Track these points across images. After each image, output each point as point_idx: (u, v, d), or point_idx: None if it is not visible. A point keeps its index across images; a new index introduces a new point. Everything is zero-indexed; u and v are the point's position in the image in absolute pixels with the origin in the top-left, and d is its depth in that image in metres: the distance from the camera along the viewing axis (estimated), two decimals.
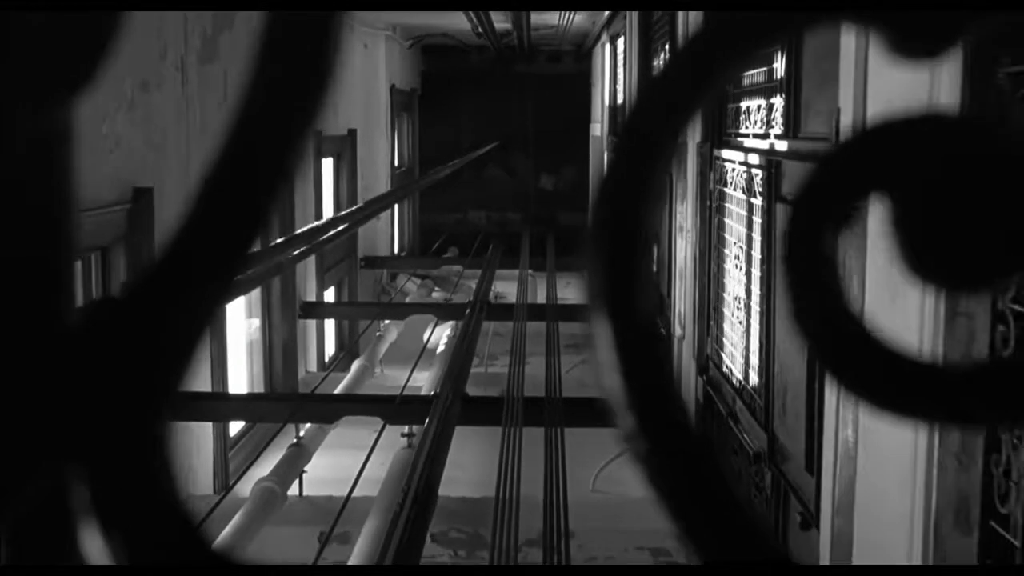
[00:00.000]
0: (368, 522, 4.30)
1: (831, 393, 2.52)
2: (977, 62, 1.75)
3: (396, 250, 13.87)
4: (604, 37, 11.95)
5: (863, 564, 2.34)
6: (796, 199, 0.40)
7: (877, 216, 0.42)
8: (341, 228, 6.60)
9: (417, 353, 6.92)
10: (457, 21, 11.20)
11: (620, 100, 10.35)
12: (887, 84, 2.18)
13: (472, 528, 5.15)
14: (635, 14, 7.73)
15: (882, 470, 2.13)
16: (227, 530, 4.39)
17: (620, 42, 9.99)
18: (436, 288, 12.11)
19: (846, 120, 2.38)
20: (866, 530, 2.25)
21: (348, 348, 9.17)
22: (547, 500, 4.16)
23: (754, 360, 3.78)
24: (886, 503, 2.10)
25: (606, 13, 10.43)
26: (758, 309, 3.67)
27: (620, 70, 10.17)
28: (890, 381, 0.39)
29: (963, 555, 1.73)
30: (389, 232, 13.08)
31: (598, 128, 13.81)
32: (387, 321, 9.01)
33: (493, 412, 4.80)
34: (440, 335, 8.51)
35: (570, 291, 10.62)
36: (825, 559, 2.53)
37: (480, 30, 11.01)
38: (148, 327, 0.41)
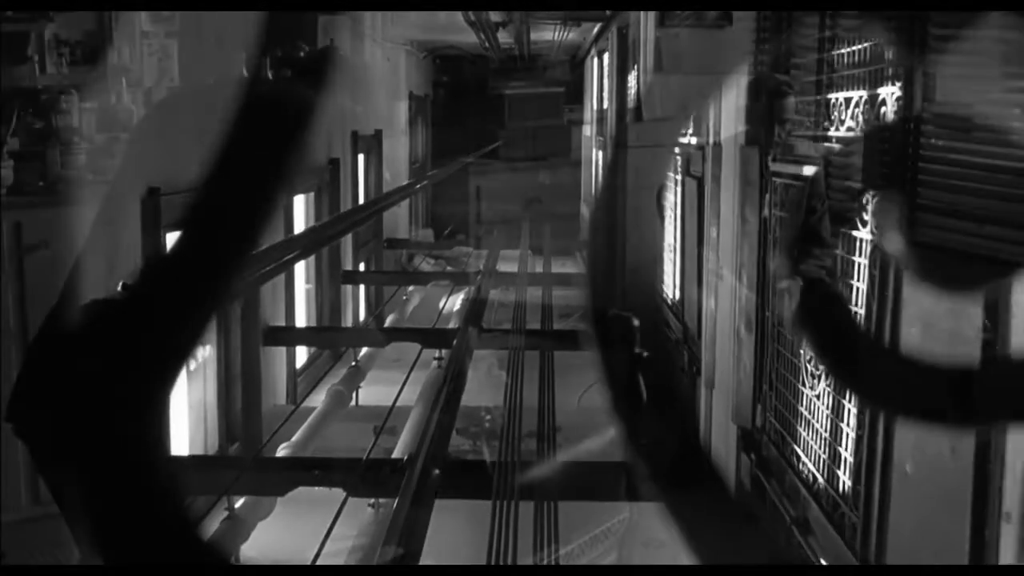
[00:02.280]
0: (415, 408, 5.49)
1: (706, 286, 3.87)
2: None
3: (412, 235, 14.83)
4: (593, 51, 12.86)
5: (722, 390, 3.64)
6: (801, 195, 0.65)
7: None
8: (373, 211, 7.75)
9: (435, 316, 7.99)
10: (466, 37, 12.00)
11: (605, 105, 11.30)
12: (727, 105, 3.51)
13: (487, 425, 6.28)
14: (615, 34, 8.72)
15: (723, 313, 3.44)
16: (310, 420, 5.59)
17: (605, 56, 10.94)
18: (448, 267, 13.15)
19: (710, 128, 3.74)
20: (717, 350, 3.56)
21: (378, 310, 10.28)
22: (541, 404, 5.25)
23: (678, 282, 5.12)
24: (722, 328, 3.42)
25: (595, 30, 11.28)
26: (679, 247, 5.02)
27: (606, 81, 11.14)
28: (892, 385, 0.67)
29: (750, 345, 3.05)
30: (407, 218, 14.12)
31: (588, 129, 14.72)
32: (411, 288, 10.14)
33: (503, 339, 5.99)
34: (454, 303, 9.48)
35: (564, 269, 11.61)
36: (703, 384, 3.84)
37: (487, 45, 11.80)
38: (145, 329, 0.51)
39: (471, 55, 15.25)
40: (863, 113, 2.82)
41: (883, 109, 2.80)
